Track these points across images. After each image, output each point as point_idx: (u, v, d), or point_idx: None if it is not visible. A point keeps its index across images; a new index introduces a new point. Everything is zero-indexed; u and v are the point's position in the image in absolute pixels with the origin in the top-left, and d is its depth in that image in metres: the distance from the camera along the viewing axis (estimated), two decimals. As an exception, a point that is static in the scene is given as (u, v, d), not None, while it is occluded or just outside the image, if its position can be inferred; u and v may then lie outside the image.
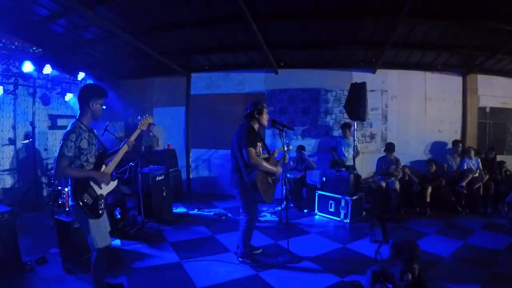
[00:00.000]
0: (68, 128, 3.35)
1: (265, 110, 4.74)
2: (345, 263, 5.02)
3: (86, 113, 3.48)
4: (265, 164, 4.46)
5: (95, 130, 3.72)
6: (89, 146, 3.46)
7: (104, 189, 3.54)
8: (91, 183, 3.40)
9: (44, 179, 8.45)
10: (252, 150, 4.37)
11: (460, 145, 8.29)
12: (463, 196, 7.63)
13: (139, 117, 4.07)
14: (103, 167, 3.58)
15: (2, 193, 7.78)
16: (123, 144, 3.78)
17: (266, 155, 4.78)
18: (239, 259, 4.91)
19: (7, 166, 7.97)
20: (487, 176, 7.76)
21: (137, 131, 3.92)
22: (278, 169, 4.66)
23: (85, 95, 3.48)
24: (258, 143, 4.57)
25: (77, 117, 3.48)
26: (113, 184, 3.69)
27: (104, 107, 3.62)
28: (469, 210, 7.62)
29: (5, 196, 7.76)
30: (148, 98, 10.50)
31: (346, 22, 6.57)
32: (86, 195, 3.34)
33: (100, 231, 3.46)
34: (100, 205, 3.44)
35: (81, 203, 3.28)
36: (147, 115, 4.12)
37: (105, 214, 3.63)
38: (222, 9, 6.10)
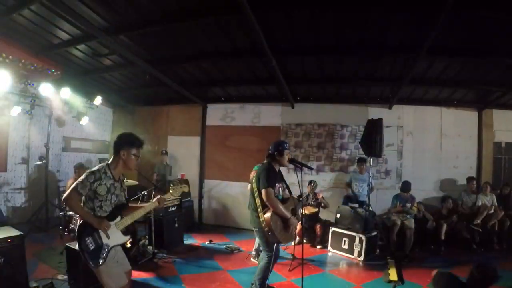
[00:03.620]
0: (93, 168, 3.27)
1: (286, 151, 4.68)
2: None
3: (117, 161, 3.39)
4: (281, 207, 4.38)
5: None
6: (107, 194, 3.29)
7: (112, 240, 3.32)
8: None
9: (55, 201, 8.42)
10: (270, 190, 4.31)
11: (475, 182, 8.18)
12: (478, 234, 7.48)
13: (172, 184, 3.92)
14: (118, 218, 3.43)
15: (12, 211, 7.81)
16: (148, 204, 3.69)
17: (288, 195, 4.73)
18: (252, 296, 4.77)
19: (18, 185, 8.03)
20: (502, 213, 7.60)
21: (167, 195, 3.80)
22: (292, 219, 4.55)
23: (118, 143, 3.41)
24: (277, 184, 4.51)
25: (108, 161, 3.40)
26: (123, 239, 3.50)
27: (139, 157, 3.48)
28: (484, 247, 7.45)
29: (14, 214, 7.80)
30: (163, 126, 10.61)
31: (364, 58, 6.60)
32: (90, 239, 3.18)
33: (112, 274, 3.28)
34: (102, 254, 3.22)
35: (82, 246, 3.14)
36: (183, 184, 3.97)
37: (121, 255, 3.52)
38: (242, 43, 6.19)
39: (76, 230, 3.22)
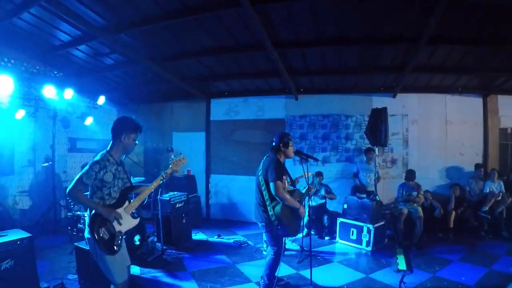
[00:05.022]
0: (96, 158, 3.31)
1: (291, 143, 4.68)
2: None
3: (117, 146, 3.45)
4: (290, 199, 4.39)
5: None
6: (114, 180, 3.38)
7: (124, 226, 3.41)
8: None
9: (62, 202, 8.47)
10: (279, 183, 4.31)
11: (482, 169, 8.13)
12: (486, 221, 7.44)
13: (172, 157, 4.00)
14: (126, 203, 3.50)
15: (21, 214, 7.85)
16: (152, 182, 3.72)
17: (292, 189, 4.74)
18: (262, 291, 4.78)
19: (26, 188, 8.07)
20: (510, 199, 7.55)
21: (169, 170, 3.85)
22: (301, 209, 4.57)
23: (118, 128, 3.45)
24: (284, 176, 4.51)
25: (107, 148, 3.44)
26: (134, 222, 3.58)
27: (137, 142, 3.56)
28: (492, 235, 7.39)
29: (23, 217, 7.84)
30: (167, 122, 10.61)
31: (366, 48, 6.57)
32: (103, 229, 3.24)
33: (116, 266, 3.33)
34: (116, 242, 3.31)
35: (96, 237, 3.18)
36: (181, 155, 4.01)
37: (124, 249, 3.54)
38: (243, 37, 6.18)
39: (88, 222, 3.26)
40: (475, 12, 5.00)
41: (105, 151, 3.42)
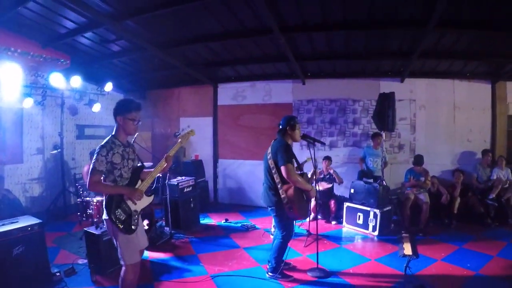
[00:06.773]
0: (101, 143, 3.36)
1: (297, 126, 4.68)
2: (374, 278, 4.89)
3: (118, 128, 3.49)
4: (302, 182, 4.41)
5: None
6: (123, 161, 3.42)
7: (139, 205, 3.48)
8: (125, 198, 3.39)
9: (71, 189, 8.58)
10: (290, 166, 4.33)
11: (490, 154, 8.06)
12: (493, 208, 7.39)
13: (181, 129, 3.96)
14: (139, 182, 3.55)
15: (30, 201, 7.94)
16: (162, 160, 3.70)
17: (299, 173, 4.73)
18: (269, 274, 4.82)
19: (35, 175, 8.16)
20: (518, 186, 7.47)
21: (177, 145, 3.81)
22: (312, 190, 4.59)
23: (114, 111, 3.50)
24: (292, 159, 4.53)
25: (113, 132, 3.50)
26: (149, 199, 3.65)
27: (138, 122, 3.54)
28: (498, 222, 7.34)
29: (33, 204, 7.93)
30: (174, 108, 10.60)
31: (374, 33, 6.47)
32: (119, 210, 3.32)
33: (129, 247, 3.37)
34: (133, 221, 3.38)
35: (113, 218, 3.27)
36: (189, 127, 3.95)
37: (141, 231, 3.61)
38: (250, 22, 6.13)
39: (104, 206, 3.33)
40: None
41: (110, 135, 3.48)
